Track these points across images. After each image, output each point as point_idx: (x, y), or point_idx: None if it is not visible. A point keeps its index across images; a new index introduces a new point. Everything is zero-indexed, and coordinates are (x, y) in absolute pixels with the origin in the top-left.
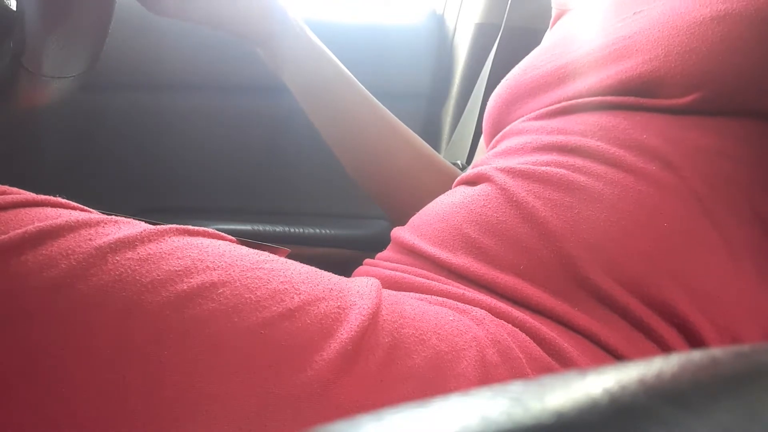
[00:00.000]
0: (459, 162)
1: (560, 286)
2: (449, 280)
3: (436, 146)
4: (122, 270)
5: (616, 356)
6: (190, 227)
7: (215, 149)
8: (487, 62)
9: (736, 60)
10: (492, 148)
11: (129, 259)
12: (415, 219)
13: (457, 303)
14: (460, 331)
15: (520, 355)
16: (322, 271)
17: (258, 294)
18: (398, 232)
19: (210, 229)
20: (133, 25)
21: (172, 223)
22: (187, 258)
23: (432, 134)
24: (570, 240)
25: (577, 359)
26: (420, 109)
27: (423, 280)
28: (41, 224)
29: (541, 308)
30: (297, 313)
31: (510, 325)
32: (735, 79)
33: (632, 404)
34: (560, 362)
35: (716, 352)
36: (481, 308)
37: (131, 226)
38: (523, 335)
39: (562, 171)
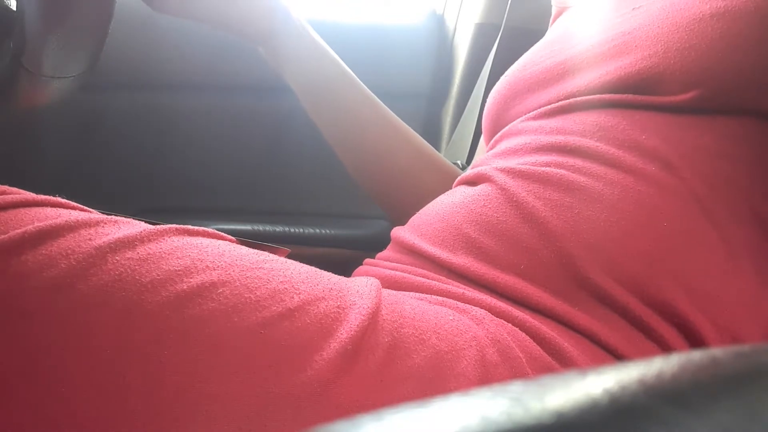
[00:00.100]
0: (459, 162)
1: (560, 285)
2: (449, 280)
3: (436, 146)
4: (122, 270)
5: (616, 356)
6: (190, 227)
7: (215, 149)
8: (487, 62)
9: (736, 57)
10: (491, 148)
11: (129, 259)
12: (416, 219)
13: (457, 303)
14: (460, 331)
15: (520, 355)
16: (322, 271)
17: (258, 294)
18: (398, 232)
19: (210, 229)
20: (133, 24)
21: (172, 223)
22: (187, 258)
23: (432, 134)
24: (570, 240)
25: (577, 359)
26: (420, 109)
27: (423, 280)
28: (41, 224)
29: (541, 308)
30: (297, 312)
31: (510, 325)
32: (734, 77)
33: (632, 404)
34: (560, 362)
35: (716, 352)
36: (481, 308)
37: (131, 226)
38: (523, 335)
39: (562, 171)
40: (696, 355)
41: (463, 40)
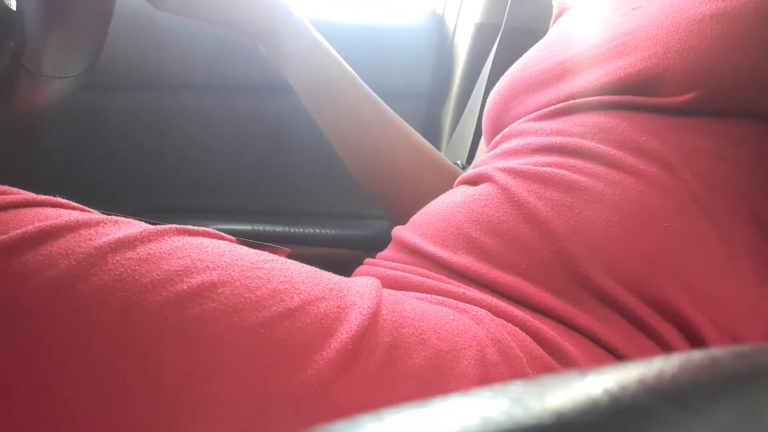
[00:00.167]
0: (459, 162)
1: (561, 285)
2: (450, 280)
3: (437, 146)
4: (122, 270)
5: (617, 356)
6: (190, 227)
7: (216, 149)
8: (487, 62)
9: (736, 58)
10: (492, 149)
11: (129, 259)
12: (416, 218)
13: (458, 302)
14: (460, 331)
15: (521, 355)
16: (322, 270)
17: (258, 294)
18: (399, 231)
19: (210, 229)
20: (133, 24)
21: (172, 223)
22: (187, 258)
23: (432, 134)
24: (571, 240)
25: (578, 359)
26: (420, 109)
27: (423, 280)
28: (41, 224)
29: (541, 308)
30: (297, 312)
31: (510, 325)
32: (734, 78)
33: (632, 404)
34: (560, 362)
35: (716, 352)
36: (482, 308)
37: (131, 226)
38: (524, 334)
39: (563, 172)
40: (696, 355)
41: (463, 40)
